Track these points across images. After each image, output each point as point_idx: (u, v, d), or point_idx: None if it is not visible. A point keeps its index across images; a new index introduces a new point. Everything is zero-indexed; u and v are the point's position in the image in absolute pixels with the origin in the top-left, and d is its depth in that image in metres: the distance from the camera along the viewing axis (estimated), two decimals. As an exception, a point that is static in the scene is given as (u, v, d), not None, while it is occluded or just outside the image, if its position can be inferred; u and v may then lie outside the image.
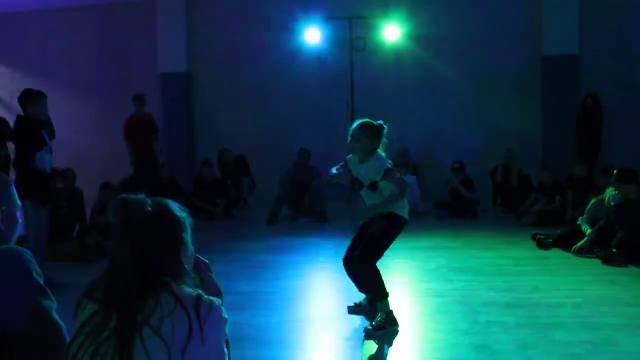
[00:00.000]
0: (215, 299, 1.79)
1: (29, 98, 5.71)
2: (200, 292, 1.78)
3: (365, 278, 4.47)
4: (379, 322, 4.28)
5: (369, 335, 4.25)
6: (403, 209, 4.51)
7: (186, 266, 1.83)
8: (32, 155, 5.56)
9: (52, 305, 1.91)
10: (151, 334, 1.65)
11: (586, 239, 6.58)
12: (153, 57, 11.33)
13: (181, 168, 10.52)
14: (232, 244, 7.68)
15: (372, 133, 4.55)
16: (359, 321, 4.71)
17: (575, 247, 6.58)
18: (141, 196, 1.81)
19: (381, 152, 4.62)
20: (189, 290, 1.75)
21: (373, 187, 4.49)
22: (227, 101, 11.28)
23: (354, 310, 4.76)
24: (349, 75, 10.20)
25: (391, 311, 4.36)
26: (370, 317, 4.53)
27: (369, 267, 4.37)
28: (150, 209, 1.78)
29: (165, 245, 1.78)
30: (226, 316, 1.82)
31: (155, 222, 1.78)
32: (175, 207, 1.85)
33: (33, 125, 5.66)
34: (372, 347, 4.18)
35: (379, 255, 4.46)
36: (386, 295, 4.38)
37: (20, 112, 5.85)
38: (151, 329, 1.65)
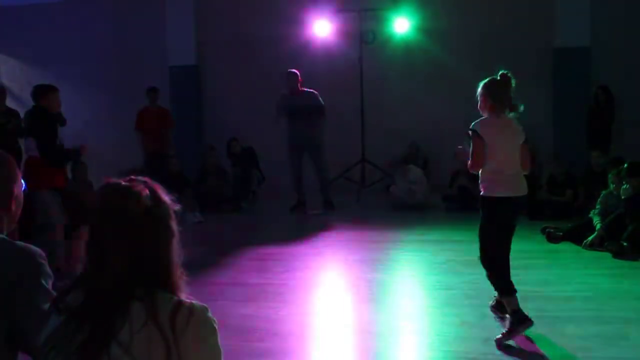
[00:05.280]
0: (196, 304, 1.51)
1: (43, 91, 5.92)
2: (180, 298, 1.51)
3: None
4: (507, 326, 4.01)
5: (500, 344, 3.90)
6: (489, 186, 4.18)
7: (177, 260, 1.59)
8: (52, 143, 5.86)
9: None
10: (120, 353, 1.41)
11: (596, 233, 6.55)
12: (162, 49, 11.34)
13: (189, 160, 10.52)
14: (241, 235, 7.69)
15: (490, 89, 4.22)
16: (367, 313, 4.71)
17: (585, 241, 6.55)
18: (127, 181, 1.58)
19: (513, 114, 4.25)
20: (165, 297, 1.49)
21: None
22: (235, 94, 11.27)
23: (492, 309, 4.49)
24: (358, 68, 10.16)
25: (518, 310, 4.00)
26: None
27: (484, 265, 4.24)
28: (146, 195, 1.54)
29: (160, 238, 1.55)
30: (214, 325, 1.52)
31: (150, 211, 1.53)
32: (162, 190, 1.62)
33: (50, 116, 5.95)
34: (382, 339, 4.17)
35: (490, 249, 4.19)
36: (509, 291, 4.05)
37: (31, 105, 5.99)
38: (119, 346, 1.41)
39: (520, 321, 3.94)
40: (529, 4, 10.32)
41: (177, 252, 1.57)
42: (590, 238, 6.53)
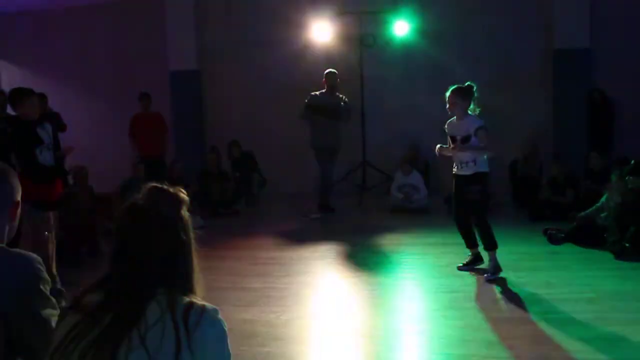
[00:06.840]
0: (208, 305, 1.59)
1: (15, 99, 5.55)
2: (193, 300, 1.59)
3: (481, 234, 5.63)
4: (491, 269, 5.52)
5: (489, 280, 5.42)
6: (484, 164, 5.61)
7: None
8: (31, 152, 5.40)
9: (54, 313, 1.89)
10: (137, 344, 1.48)
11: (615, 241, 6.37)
12: (163, 54, 11.35)
13: (191, 165, 10.51)
14: (241, 240, 7.68)
15: (462, 94, 5.58)
16: (369, 316, 4.70)
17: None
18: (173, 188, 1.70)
19: (470, 111, 5.64)
20: (180, 297, 1.57)
21: (465, 140, 5.62)
22: (236, 98, 11.27)
23: (462, 267, 5.84)
24: (358, 71, 10.16)
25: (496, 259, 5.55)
26: (474, 270, 5.75)
27: (484, 226, 5.58)
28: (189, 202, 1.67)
29: (189, 243, 1.66)
30: (224, 327, 1.60)
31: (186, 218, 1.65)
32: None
33: (24, 124, 5.48)
34: (384, 343, 4.16)
35: (487, 211, 5.75)
36: (496, 246, 5.56)
37: None
38: (138, 338, 1.49)
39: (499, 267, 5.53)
40: (529, 6, 10.33)
41: (197, 259, 1.68)
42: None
